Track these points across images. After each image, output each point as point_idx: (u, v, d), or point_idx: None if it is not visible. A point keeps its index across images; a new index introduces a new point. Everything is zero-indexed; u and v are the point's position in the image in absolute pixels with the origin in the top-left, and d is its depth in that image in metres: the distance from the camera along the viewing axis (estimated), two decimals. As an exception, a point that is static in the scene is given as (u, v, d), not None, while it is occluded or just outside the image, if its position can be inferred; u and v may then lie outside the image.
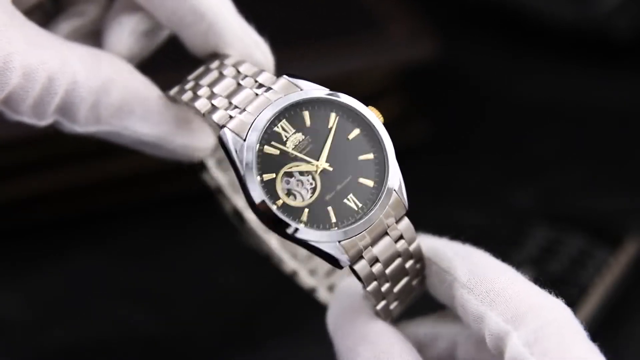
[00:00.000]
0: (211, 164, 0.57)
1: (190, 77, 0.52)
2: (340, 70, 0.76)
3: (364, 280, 0.47)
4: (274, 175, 0.46)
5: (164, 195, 0.76)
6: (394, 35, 0.79)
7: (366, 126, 0.48)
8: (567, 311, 0.45)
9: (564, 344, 0.43)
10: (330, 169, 0.47)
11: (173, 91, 0.51)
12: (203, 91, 0.50)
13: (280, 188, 0.46)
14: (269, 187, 0.46)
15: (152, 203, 0.76)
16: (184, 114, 0.52)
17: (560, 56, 0.92)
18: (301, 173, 0.47)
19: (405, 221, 0.48)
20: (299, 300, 0.68)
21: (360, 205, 0.47)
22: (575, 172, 0.81)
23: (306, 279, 0.57)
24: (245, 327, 0.68)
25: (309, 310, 0.67)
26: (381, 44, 0.79)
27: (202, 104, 0.49)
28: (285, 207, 0.46)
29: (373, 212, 0.47)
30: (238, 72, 0.50)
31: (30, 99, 0.48)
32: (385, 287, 0.48)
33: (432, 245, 0.49)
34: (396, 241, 0.48)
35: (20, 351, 0.66)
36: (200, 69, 0.52)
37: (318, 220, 0.46)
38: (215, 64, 0.51)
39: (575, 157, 0.83)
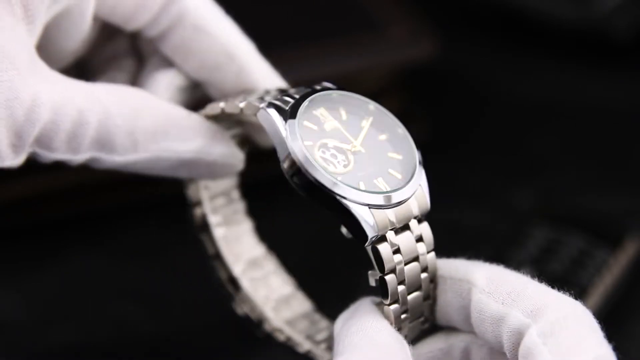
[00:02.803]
0: (214, 221, 0.58)
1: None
2: (340, 70, 0.76)
3: (385, 265, 0.47)
4: (312, 142, 0.48)
5: (164, 195, 0.76)
6: (394, 36, 0.79)
7: (395, 134, 0.50)
8: (585, 310, 0.46)
9: (578, 336, 0.44)
10: (364, 151, 0.49)
11: (205, 109, 0.53)
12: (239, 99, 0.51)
13: (317, 155, 0.48)
14: (308, 150, 0.48)
15: (152, 203, 0.76)
16: (217, 126, 0.54)
17: (560, 56, 0.92)
18: (337, 148, 0.48)
19: (427, 225, 0.49)
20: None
21: (389, 188, 0.48)
22: (575, 172, 0.81)
23: (302, 342, 0.57)
24: (245, 328, 0.68)
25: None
26: (381, 44, 0.79)
27: (238, 100, 0.51)
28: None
29: (402, 191, 0.48)
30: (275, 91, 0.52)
31: (62, 134, 0.49)
32: (401, 288, 0.48)
33: (445, 262, 0.50)
34: (417, 241, 0.48)
35: (19, 351, 0.66)
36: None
37: (350, 187, 0.47)
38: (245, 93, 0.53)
39: (575, 157, 0.83)
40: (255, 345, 0.67)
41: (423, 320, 0.50)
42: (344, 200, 0.46)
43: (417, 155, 0.50)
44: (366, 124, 0.50)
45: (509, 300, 0.46)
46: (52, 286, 0.70)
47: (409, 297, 0.48)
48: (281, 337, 0.58)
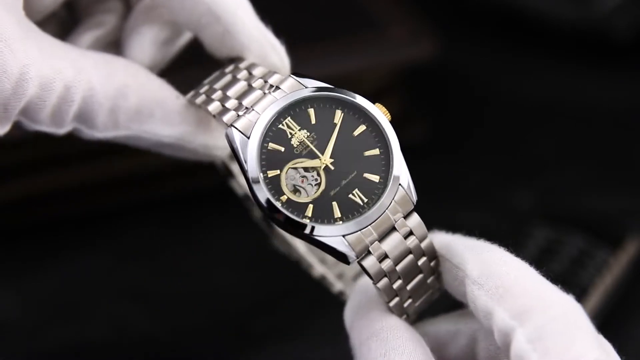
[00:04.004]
0: (236, 169, 0.58)
1: (206, 81, 0.52)
2: (340, 70, 0.76)
3: (373, 277, 0.47)
4: (278, 171, 0.47)
5: (163, 195, 0.76)
6: (395, 36, 0.79)
7: (372, 122, 0.48)
8: (575, 306, 0.44)
9: (567, 340, 0.42)
10: (335, 164, 0.48)
11: (188, 95, 0.52)
12: (217, 95, 0.50)
13: (284, 184, 0.47)
14: (274, 184, 0.47)
15: (151, 203, 0.76)
16: (203, 114, 0.53)
17: (560, 56, 0.92)
18: (305, 169, 0.47)
19: (415, 217, 0.48)
20: (300, 302, 0.68)
21: (365, 200, 0.47)
22: (575, 172, 0.81)
23: (334, 283, 0.58)
24: (245, 328, 0.68)
25: (310, 313, 0.68)
26: (381, 44, 0.79)
27: (214, 107, 0.50)
28: (289, 203, 0.47)
29: (377, 206, 0.47)
30: (250, 74, 0.51)
31: (48, 108, 0.49)
32: (397, 284, 0.48)
33: (445, 241, 0.49)
34: (406, 237, 0.48)
35: (19, 352, 0.66)
36: (216, 73, 0.52)
37: (322, 215, 0.47)
38: (229, 68, 0.52)
39: (575, 157, 0.83)
40: (254, 345, 0.67)
41: (432, 293, 0.50)
42: (314, 237, 0.46)
43: (394, 144, 0.48)
44: (338, 119, 0.48)
45: (497, 295, 0.45)
46: (52, 286, 0.70)
47: (409, 287, 0.48)
48: (316, 274, 0.58)
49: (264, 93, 0.49)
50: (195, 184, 0.76)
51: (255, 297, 0.70)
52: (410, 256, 0.48)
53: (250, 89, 0.50)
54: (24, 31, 0.48)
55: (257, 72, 0.51)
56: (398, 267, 0.48)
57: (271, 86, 0.49)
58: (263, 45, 0.53)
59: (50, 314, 0.68)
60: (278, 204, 0.47)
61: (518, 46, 0.93)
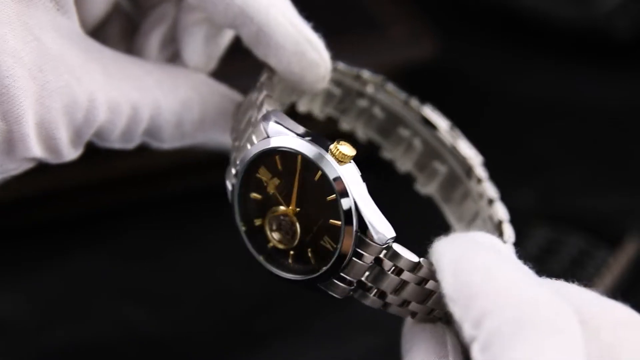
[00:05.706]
0: None
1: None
2: (340, 71, 0.76)
3: (378, 307, 0.46)
4: (261, 220, 0.47)
5: (165, 195, 0.76)
6: (395, 36, 0.79)
7: (328, 163, 0.46)
8: (536, 301, 0.40)
9: (509, 346, 0.38)
10: (302, 212, 0.46)
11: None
12: (237, 122, 0.50)
13: (269, 232, 0.47)
14: (261, 232, 0.47)
15: (153, 203, 0.76)
16: None
17: (560, 56, 0.92)
18: (282, 216, 0.47)
19: (394, 253, 0.45)
20: (303, 302, 0.69)
21: (335, 246, 0.45)
22: (575, 172, 0.81)
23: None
24: (247, 328, 0.68)
25: (311, 313, 0.68)
26: (382, 44, 0.79)
27: (232, 140, 0.50)
28: (276, 250, 0.47)
29: (338, 255, 0.45)
30: (255, 100, 0.50)
31: (118, 130, 0.49)
32: (411, 305, 0.46)
33: (440, 251, 0.44)
34: (393, 272, 0.45)
35: (20, 351, 0.66)
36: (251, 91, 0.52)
37: (302, 262, 0.46)
38: (258, 81, 0.51)
39: (575, 157, 0.83)
40: (256, 344, 0.67)
41: None
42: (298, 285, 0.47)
43: (353, 191, 0.45)
44: (299, 165, 0.46)
45: (465, 303, 0.40)
46: (53, 286, 0.70)
47: (429, 303, 0.46)
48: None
49: (250, 135, 0.48)
50: (196, 184, 0.76)
51: (257, 297, 0.70)
52: (410, 285, 0.46)
53: (246, 127, 0.49)
54: (85, 54, 0.48)
55: (259, 99, 0.49)
56: (402, 296, 0.46)
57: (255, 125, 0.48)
58: (299, 43, 0.52)
59: (51, 314, 0.68)
60: (262, 256, 0.47)
61: (518, 46, 0.93)
